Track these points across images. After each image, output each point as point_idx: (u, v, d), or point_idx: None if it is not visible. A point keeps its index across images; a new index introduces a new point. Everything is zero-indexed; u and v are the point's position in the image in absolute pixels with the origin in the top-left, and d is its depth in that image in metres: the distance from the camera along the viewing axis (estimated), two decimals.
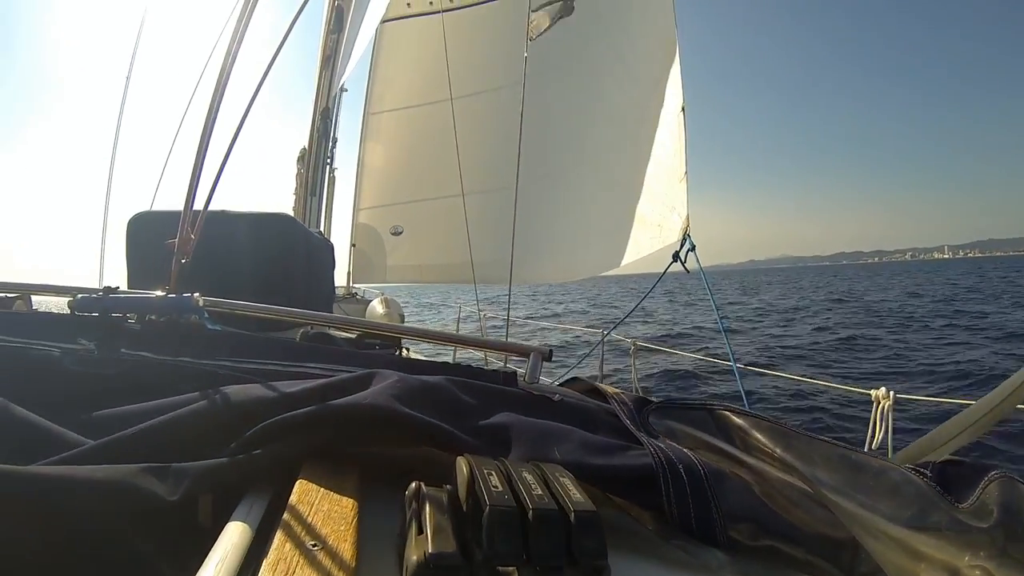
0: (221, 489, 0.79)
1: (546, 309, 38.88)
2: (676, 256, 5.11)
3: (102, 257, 4.59)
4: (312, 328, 1.81)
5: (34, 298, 1.97)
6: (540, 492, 0.64)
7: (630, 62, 6.29)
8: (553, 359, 1.42)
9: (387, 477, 0.86)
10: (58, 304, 1.97)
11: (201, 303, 1.41)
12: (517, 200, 5.59)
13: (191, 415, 0.91)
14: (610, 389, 1.17)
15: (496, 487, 0.63)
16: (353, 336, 1.69)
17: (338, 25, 2.91)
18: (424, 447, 0.88)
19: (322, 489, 0.77)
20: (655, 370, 11.86)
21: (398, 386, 0.92)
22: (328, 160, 5.16)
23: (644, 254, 5.95)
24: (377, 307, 5.58)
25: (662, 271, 5.37)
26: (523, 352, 1.37)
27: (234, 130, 1.79)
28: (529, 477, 0.68)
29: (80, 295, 1.38)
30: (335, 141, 5.30)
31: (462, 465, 0.70)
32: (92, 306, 1.33)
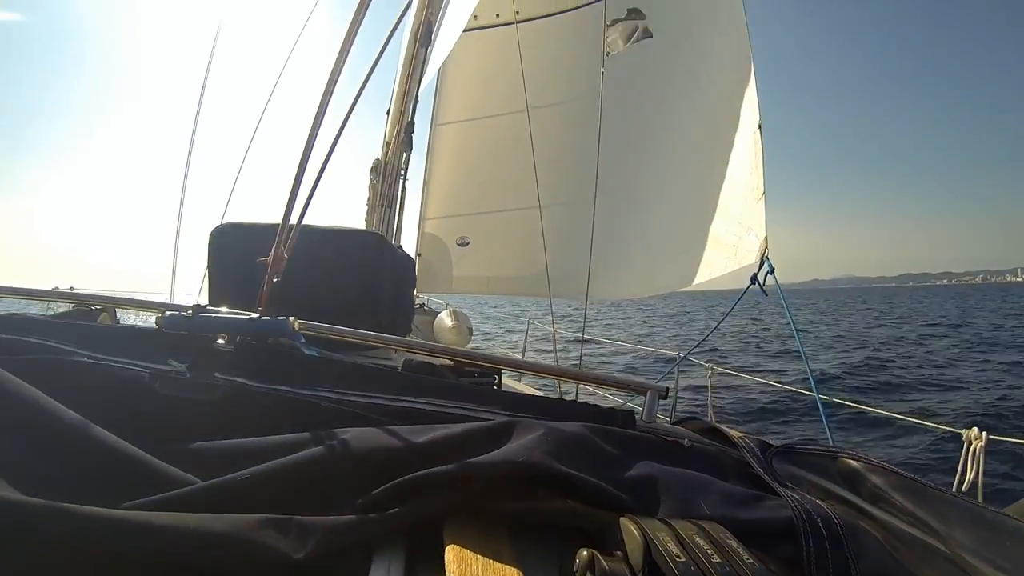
0: (350, 548, 0.75)
1: (613, 324, 37.78)
2: (754, 279, 5.01)
3: (174, 266, 4.63)
4: (412, 357, 1.74)
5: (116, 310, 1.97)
6: (718, 560, 0.63)
7: (702, 79, 6.19)
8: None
9: (538, 537, 0.83)
10: (127, 314, 1.95)
11: (297, 327, 1.34)
12: (593, 214, 5.54)
13: (310, 462, 0.86)
14: (733, 432, 1.13)
15: (678, 557, 0.62)
16: (450, 363, 1.63)
17: (427, 38, 2.87)
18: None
19: (480, 557, 0.72)
20: (732, 396, 11.28)
21: (548, 440, 0.88)
22: (403, 171, 5.16)
23: (717, 274, 5.81)
24: (446, 319, 5.55)
25: (741, 292, 5.25)
26: (638, 389, 1.34)
27: (330, 143, 1.74)
28: (700, 541, 0.67)
29: (168, 312, 1.34)
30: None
31: (631, 528, 0.69)
32: (181, 324, 1.29)
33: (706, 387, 5.66)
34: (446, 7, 2.91)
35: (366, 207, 5.34)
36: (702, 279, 5.98)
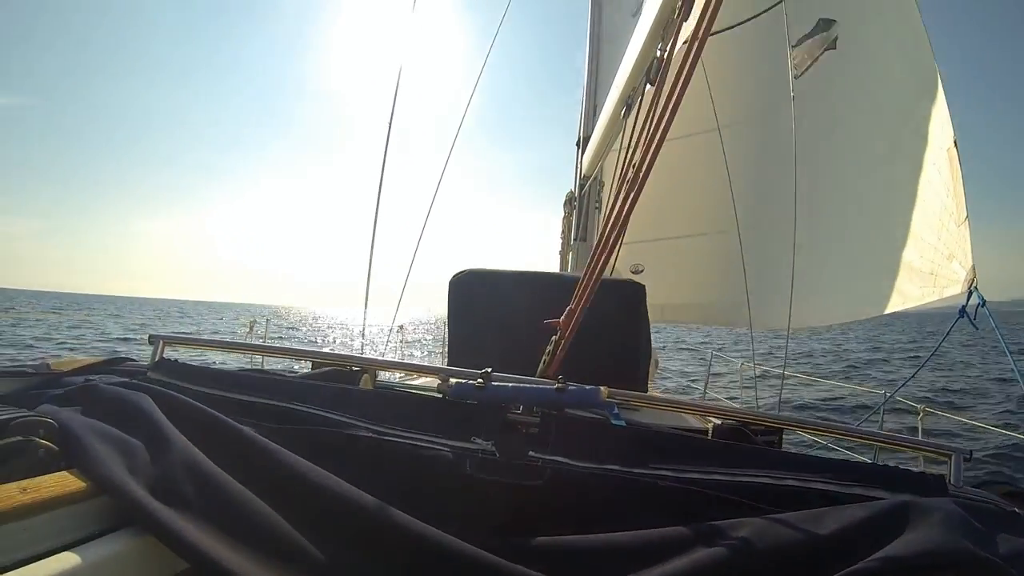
0: None
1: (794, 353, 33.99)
2: (963, 312, 4.59)
3: (365, 312, 4.71)
4: (723, 422, 1.67)
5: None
6: None
7: (879, 90, 5.78)
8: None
9: None
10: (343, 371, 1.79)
11: (606, 395, 1.25)
12: (773, 240, 5.30)
13: (711, 564, 0.81)
14: None
15: None
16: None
17: (658, 75, 2.83)
18: None
19: None
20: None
21: (953, 523, 0.88)
22: (597, 204, 5.12)
23: (912, 304, 5.37)
24: None
25: (947, 329, 4.83)
26: (941, 453, 1.32)
27: (621, 195, 1.72)
28: None
29: (454, 379, 1.28)
30: (601, 184, 5.29)
31: None
32: (471, 394, 1.22)
33: (916, 429, 5.22)
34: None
35: (560, 241, 5.35)
36: (894, 308, 5.54)
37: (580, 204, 5.11)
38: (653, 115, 2.82)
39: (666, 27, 2.95)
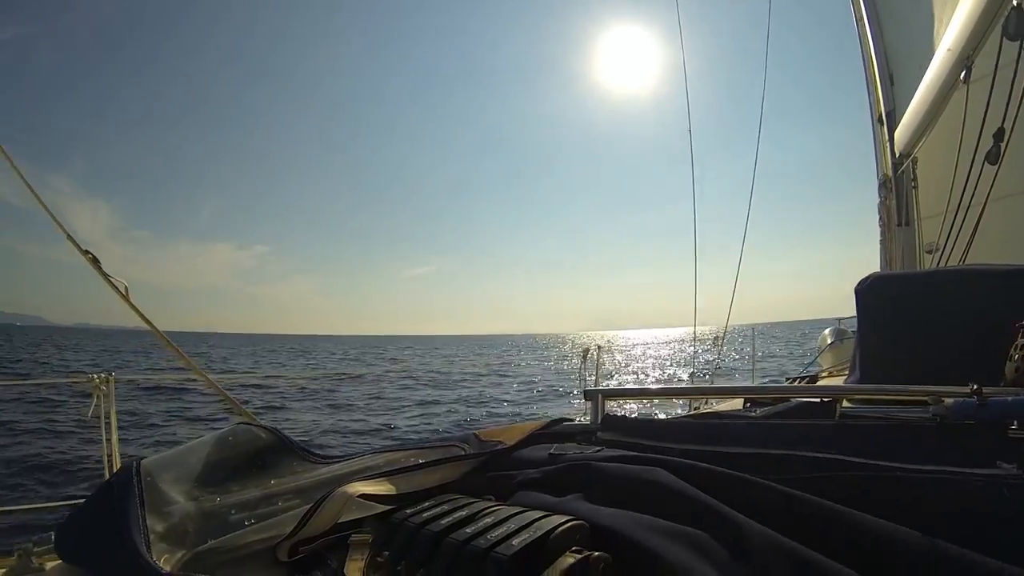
0: None
1: None
2: None
3: (695, 330, 4.66)
4: None
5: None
6: None
7: None
8: None
9: None
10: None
11: None
12: None
13: None
14: None
15: None
16: None
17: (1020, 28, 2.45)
18: None
19: None
20: None
21: None
22: (914, 183, 4.59)
23: None
24: (827, 336, 5.45)
25: None
26: None
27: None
28: None
29: (951, 399, 1.18)
30: (915, 160, 4.71)
31: None
32: (972, 413, 1.14)
33: None
34: None
35: (879, 228, 4.93)
36: None
37: (897, 186, 4.61)
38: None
39: None
